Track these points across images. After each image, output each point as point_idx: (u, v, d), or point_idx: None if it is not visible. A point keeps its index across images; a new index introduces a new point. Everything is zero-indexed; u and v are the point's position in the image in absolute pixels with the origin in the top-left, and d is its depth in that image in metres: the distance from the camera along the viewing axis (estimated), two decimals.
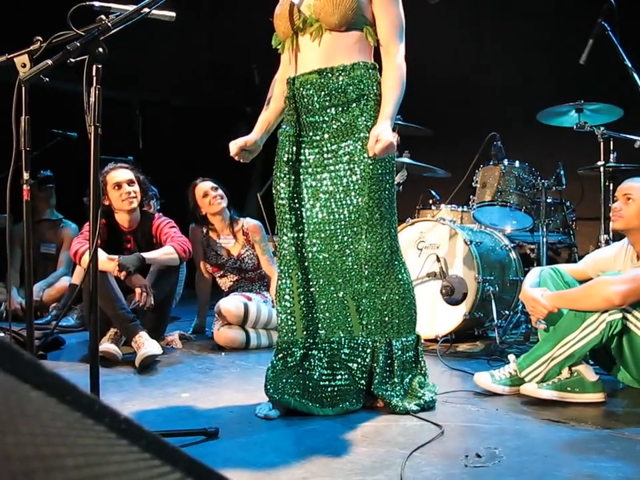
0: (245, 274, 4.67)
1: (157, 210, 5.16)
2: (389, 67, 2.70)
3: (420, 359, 2.88)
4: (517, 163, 4.65)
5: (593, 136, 4.41)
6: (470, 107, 6.70)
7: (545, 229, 4.53)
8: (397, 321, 2.75)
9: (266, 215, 5.23)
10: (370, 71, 2.71)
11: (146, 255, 4.02)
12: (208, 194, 4.60)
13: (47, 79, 2.22)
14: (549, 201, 4.64)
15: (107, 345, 3.82)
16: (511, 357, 3.15)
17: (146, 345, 3.72)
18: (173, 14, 2.60)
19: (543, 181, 4.58)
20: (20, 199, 2.32)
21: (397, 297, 2.74)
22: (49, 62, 2.14)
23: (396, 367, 2.74)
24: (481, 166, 4.79)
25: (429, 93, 6.72)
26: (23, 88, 2.26)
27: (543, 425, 2.58)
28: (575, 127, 4.45)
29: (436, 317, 4.39)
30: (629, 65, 3.66)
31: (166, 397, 3.04)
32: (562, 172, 4.64)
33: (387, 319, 2.74)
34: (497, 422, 2.60)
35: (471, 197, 4.81)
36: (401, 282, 2.75)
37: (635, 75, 3.59)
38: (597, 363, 3.25)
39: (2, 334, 4.25)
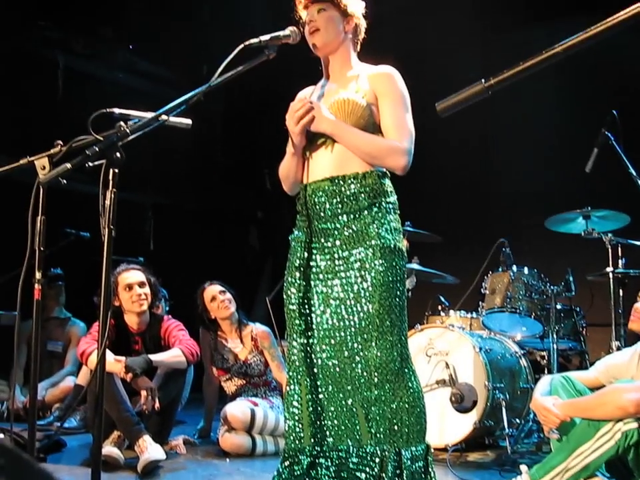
0: (251, 379, 4.62)
1: (165, 312, 5.17)
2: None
3: (430, 469, 2.80)
4: (525, 270, 4.67)
5: (601, 242, 4.45)
6: (478, 213, 6.78)
7: (555, 336, 4.51)
8: (406, 430, 2.69)
9: (274, 320, 5.22)
10: (381, 179, 2.75)
11: (153, 357, 4.00)
12: (216, 298, 4.62)
13: (65, 181, 2.28)
14: (558, 307, 4.65)
15: (109, 449, 3.75)
16: (523, 467, 3.06)
17: (149, 449, 3.65)
18: (189, 121, 2.68)
19: (552, 287, 4.59)
20: (30, 296, 2.34)
21: (407, 405, 2.69)
22: (68, 165, 2.19)
23: (405, 478, 2.66)
24: (490, 272, 4.81)
25: (437, 200, 6.84)
26: (41, 189, 2.32)
27: None
28: (583, 234, 4.50)
29: (445, 425, 4.30)
30: (634, 174, 3.73)
31: None
32: (571, 278, 4.65)
33: (396, 427, 2.68)
34: None
35: (480, 303, 4.81)
36: (411, 390, 2.71)
37: None
38: (614, 475, 3.14)
39: (2, 435, 4.18)
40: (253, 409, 4.25)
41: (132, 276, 4.26)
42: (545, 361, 4.84)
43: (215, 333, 4.70)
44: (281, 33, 2.62)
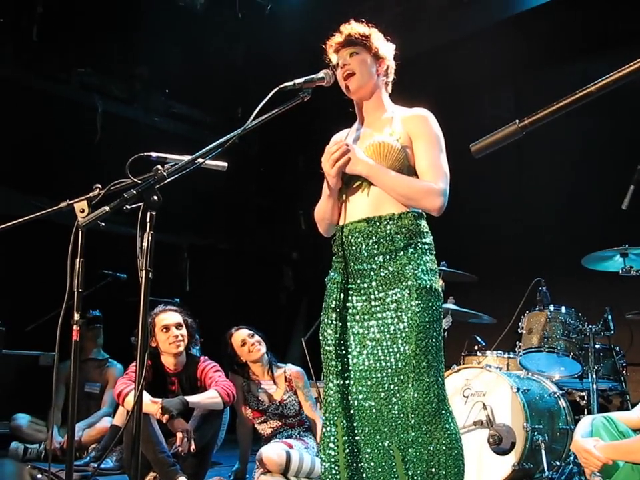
0: (287, 419, 4.60)
1: (197, 352, 5.18)
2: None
3: None
4: (563, 309, 4.62)
5: None
6: (514, 252, 6.73)
7: (594, 376, 4.43)
8: (444, 472, 2.65)
9: (310, 360, 5.21)
10: (417, 220, 2.75)
11: (190, 398, 4.01)
12: (246, 342, 4.62)
13: (103, 224, 2.32)
14: (597, 346, 4.57)
15: None
16: None
17: None
18: (225, 164, 2.72)
19: (590, 326, 4.53)
20: (69, 337, 2.36)
21: (444, 447, 2.65)
22: (107, 208, 2.24)
23: None
24: (527, 312, 4.77)
25: (473, 239, 6.81)
26: (80, 232, 2.36)
27: None
28: (620, 272, 4.45)
29: (483, 468, 4.22)
30: None
31: None
32: (609, 317, 4.59)
33: (433, 469, 2.64)
34: None
35: (517, 343, 4.75)
36: (448, 431, 2.67)
37: None
38: None
39: (40, 475, 4.21)
40: (289, 452, 4.21)
41: (169, 317, 4.30)
42: (584, 402, 4.74)
43: (246, 375, 4.70)
44: (315, 76, 2.66)
